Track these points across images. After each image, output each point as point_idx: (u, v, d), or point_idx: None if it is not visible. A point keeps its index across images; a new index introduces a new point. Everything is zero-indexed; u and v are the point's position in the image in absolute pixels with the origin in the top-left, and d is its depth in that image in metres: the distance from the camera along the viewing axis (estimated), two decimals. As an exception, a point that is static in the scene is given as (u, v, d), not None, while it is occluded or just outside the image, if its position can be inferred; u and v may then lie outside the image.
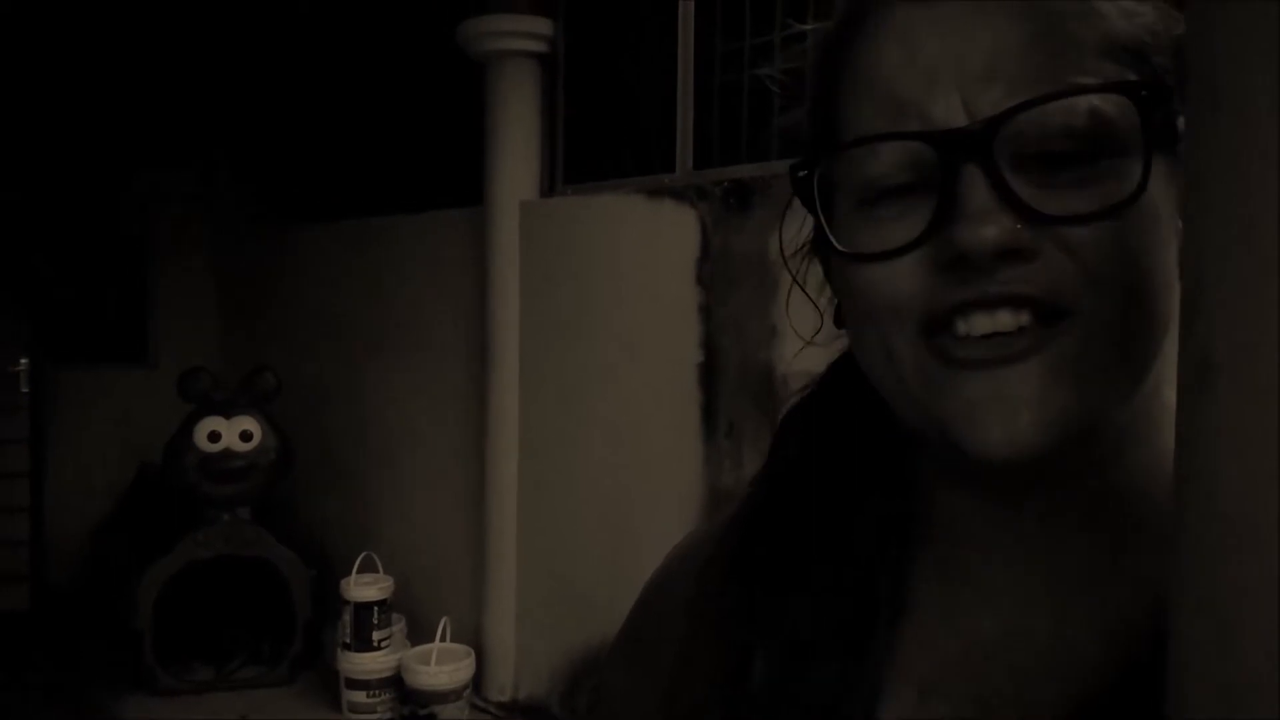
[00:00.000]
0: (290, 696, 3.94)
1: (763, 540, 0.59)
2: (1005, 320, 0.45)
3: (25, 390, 5.17)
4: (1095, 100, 0.43)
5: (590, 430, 3.49)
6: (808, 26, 0.56)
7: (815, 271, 0.60)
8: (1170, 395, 0.53)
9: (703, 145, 3.28)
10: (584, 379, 3.52)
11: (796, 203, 0.55)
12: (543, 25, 3.73)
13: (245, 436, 4.16)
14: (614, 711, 0.66)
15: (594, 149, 3.70)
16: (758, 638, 0.55)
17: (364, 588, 3.76)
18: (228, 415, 4.17)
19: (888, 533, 0.56)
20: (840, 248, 0.49)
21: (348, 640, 3.72)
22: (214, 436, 4.12)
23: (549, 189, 3.79)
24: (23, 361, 5.15)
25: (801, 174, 0.51)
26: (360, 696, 3.66)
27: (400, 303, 4.35)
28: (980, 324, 0.45)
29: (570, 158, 3.76)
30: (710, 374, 3.14)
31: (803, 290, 0.60)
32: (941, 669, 0.53)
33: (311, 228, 4.94)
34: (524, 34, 3.72)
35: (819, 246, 0.57)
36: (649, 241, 3.31)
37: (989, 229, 0.43)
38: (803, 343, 0.64)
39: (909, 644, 0.54)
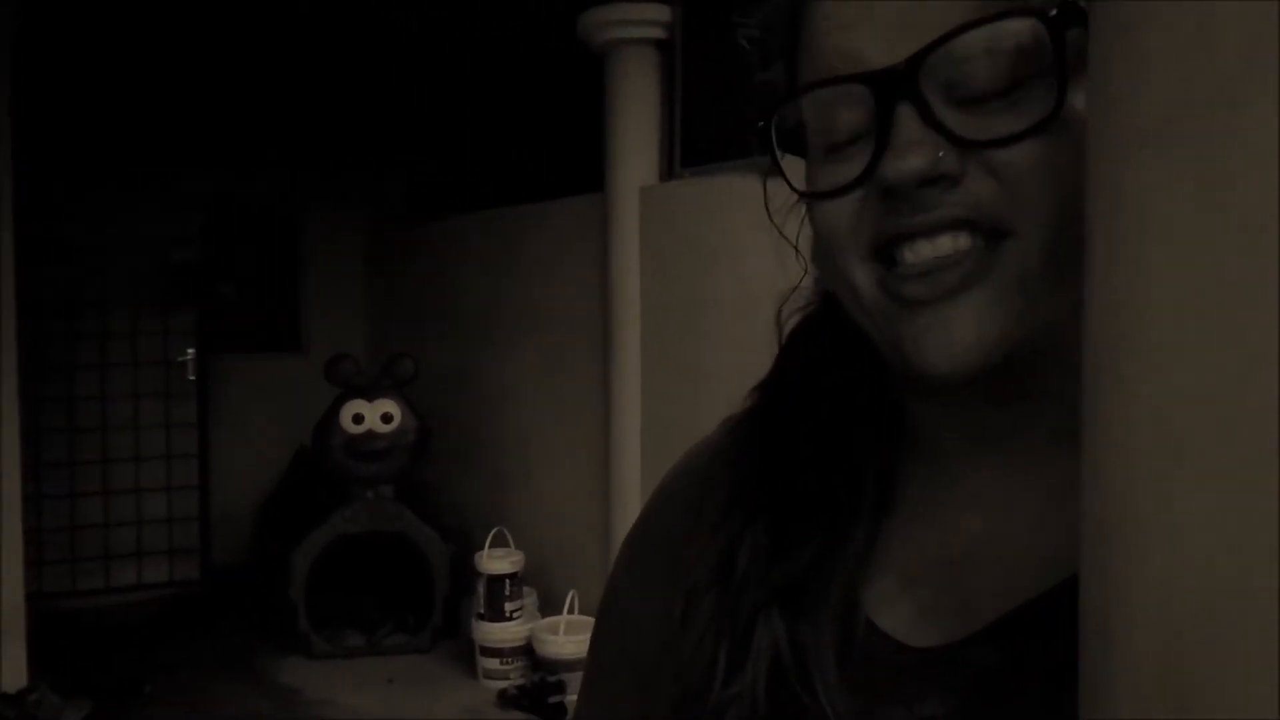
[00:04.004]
0: (430, 663, 4.16)
1: (762, 440, 0.63)
2: (945, 245, 0.48)
3: (192, 378, 5.57)
4: (1010, 27, 0.47)
5: (711, 409, 3.52)
6: None
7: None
8: None
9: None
10: (704, 358, 3.58)
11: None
12: (661, 12, 3.80)
13: (386, 418, 4.39)
14: (623, 604, 0.70)
15: (711, 131, 3.74)
16: (751, 519, 0.59)
17: (496, 561, 3.92)
18: (370, 399, 4.41)
19: (877, 439, 0.60)
20: (796, 188, 0.54)
21: (482, 611, 3.90)
22: (358, 419, 4.37)
23: (668, 173, 3.86)
24: (189, 351, 5.54)
25: (760, 124, 0.55)
26: (494, 664, 3.83)
27: (528, 289, 4.51)
28: (923, 250, 0.49)
29: (688, 141, 3.82)
30: (827, 352, 3.16)
31: (787, 239, 0.65)
32: (922, 561, 0.57)
33: (447, 219, 5.16)
34: (643, 22, 3.80)
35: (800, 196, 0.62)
36: (766, 221, 3.33)
37: (912, 159, 0.47)
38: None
39: (893, 539, 0.58)
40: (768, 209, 0.64)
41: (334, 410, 4.42)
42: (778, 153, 0.55)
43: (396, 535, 4.35)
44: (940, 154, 0.47)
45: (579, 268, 4.14)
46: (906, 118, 0.47)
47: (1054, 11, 0.47)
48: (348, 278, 6.11)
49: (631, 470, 3.86)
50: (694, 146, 3.80)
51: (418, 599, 4.36)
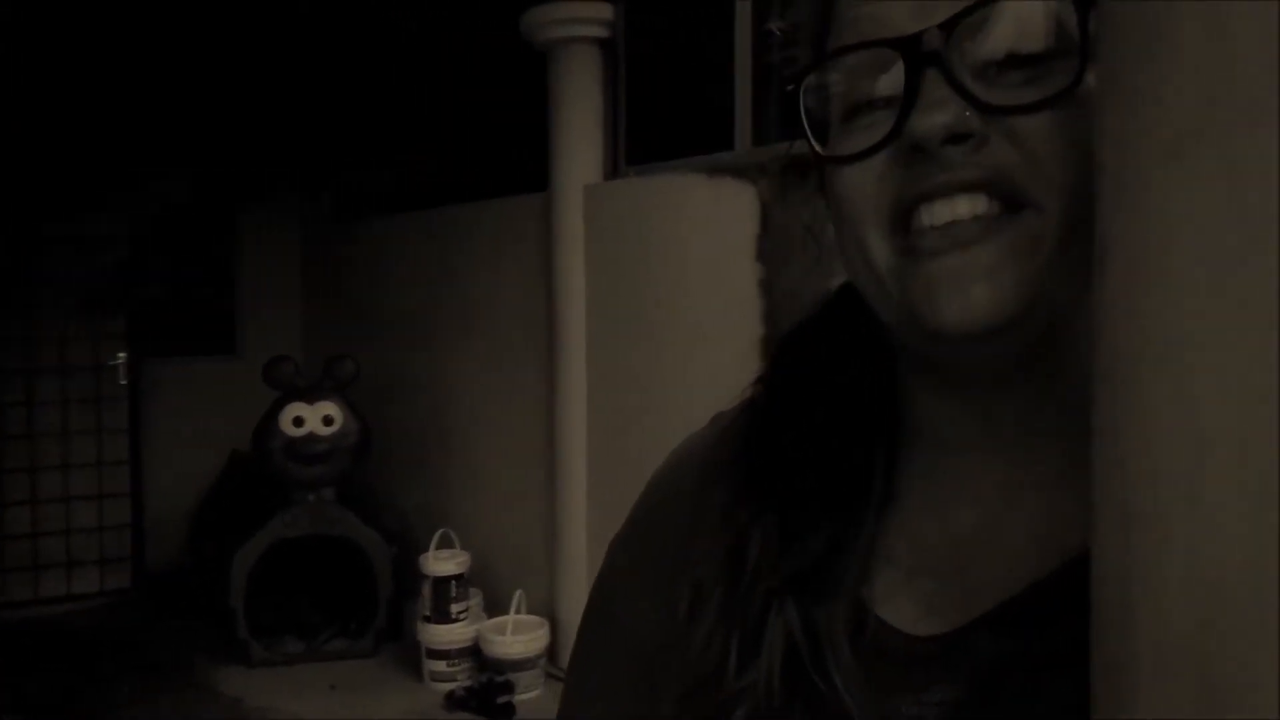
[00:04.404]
0: (375, 667, 4.10)
1: (763, 435, 0.64)
2: (962, 207, 0.49)
3: (124, 382, 5.43)
4: (1036, 4, 0.49)
5: (656, 405, 3.55)
6: None
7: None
8: None
9: (761, 122, 3.32)
10: (649, 354, 3.59)
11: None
12: (604, 10, 3.80)
13: (327, 421, 4.32)
14: (621, 601, 0.70)
15: (656, 130, 3.76)
16: (759, 513, 0.60)
17: (442, 562, 3.89)
18: (310, 401, 4.34)
19: (877, 433, 0.61)
20: (820, 151, 0.54)
21: (428, 613, 3.86)
22: (298, 421, 4.30)
23: (612, 171, 3.87)
24: (120, 355, 5.40)
25: (789, 88, 0.56)
26: (440, 666, 3.80)
27: (471, 288, 4.48)
28: (940, 212, 0.49)
29: (632, 139, 3.83)
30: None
31: (808, 229, 0.66)
32: (924, 553, 0.58)
33: (387, 219, 5.10)
34: (586, 20, 3.80)
35: (822, 185, 0.62)
36: (710, 219, 3.36)
37: (939, 115, 0.48)
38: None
39: (894, 532, 0.59)
40: (783, 197, 0.64)
41: (273, 413, 4.34)
42: (803, 118, 0.55)
43: (338, 539, 4.29)
44: (966, 113, 0.48)
45: (522, 267, 4.13)
46: (933, 81, 0.49)
47: None
48: (284, 279, 6.00)
49: (577, 469, 3.85)
50: (638, 145, 3.81)
51: (360, 603, 4.30)
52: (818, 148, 0.55)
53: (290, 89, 5.29)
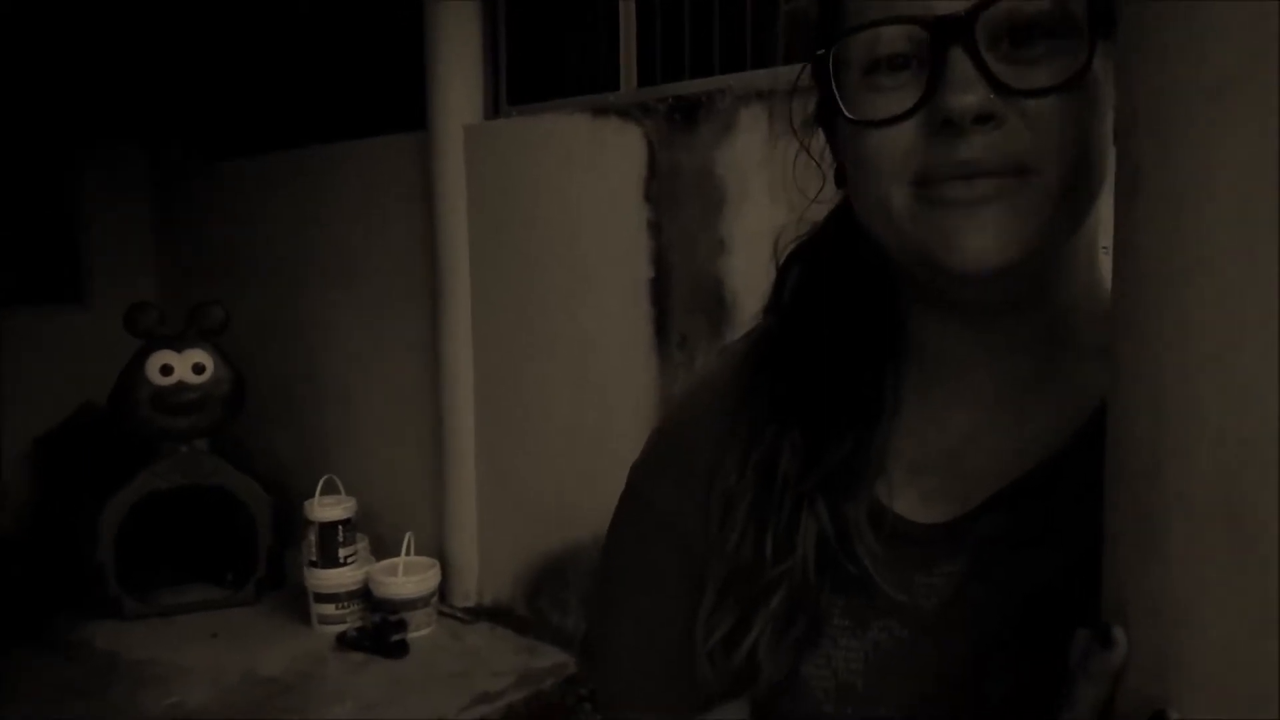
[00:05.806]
0: (258, 615, 4.04)
1: (782, 358, 0.72)
2: (981, 185, 0.57)
3: (-41, 335, 5.09)
4: None
5: (545, 346, 3.60)
6: None
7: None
8: (1100, 240, 0.68)
9: (646, 63, 3.36)
10: (536, 296, 3.62)
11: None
12: (480, -53, 3.75)
13: (198, 369, 4.18)
14: (654, 501, 0.77)
15: (538, 69, 3.75)
16: (785, 429, 0.69)
17: (328, 508, 3.85)
18: (179, 349, 4.19)
19: (884, 350, 0.71)
20: (850, 116, 0.61)
21: (314, 559, 3.83)
22: (166, 370, 4.14)
23: (493, 111, 3.84)
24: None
25: (819, 53, 0.63)
26: (329, 609, 3.78)
27: (347, 230, 4.38)
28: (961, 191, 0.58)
29: (514, 79, 3.81)
30: (661, 288, 3.27)
31: (810, 155, 0.73)
32: (925, 454, 0.68)
33: (251, 160, 4.91)
34: (461, -44, 3.74)
35: (824, 118, 0.69)
36: (596, 160, 3.40)
37: (969, 96, 0.55)
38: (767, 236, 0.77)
39: (897, 436, 0.69)
40: (793, 125, 0.72)
41: (138, 362, 4.16)
42: (831, 82, 0.62)
43: (212, 489, 4.18)
44: (991, 95, 0.56)
45: (401, 209, 4.07)
46: (960, 60, 0.56)
47: None
48: (135, 224, 5.70)
49: (464, 411, 3.87)
50: (520, 84, 3.79)
51: (237, 553, 4.22)
52: (847, 113, 0.61)
53: (137, 15, 5.00)
